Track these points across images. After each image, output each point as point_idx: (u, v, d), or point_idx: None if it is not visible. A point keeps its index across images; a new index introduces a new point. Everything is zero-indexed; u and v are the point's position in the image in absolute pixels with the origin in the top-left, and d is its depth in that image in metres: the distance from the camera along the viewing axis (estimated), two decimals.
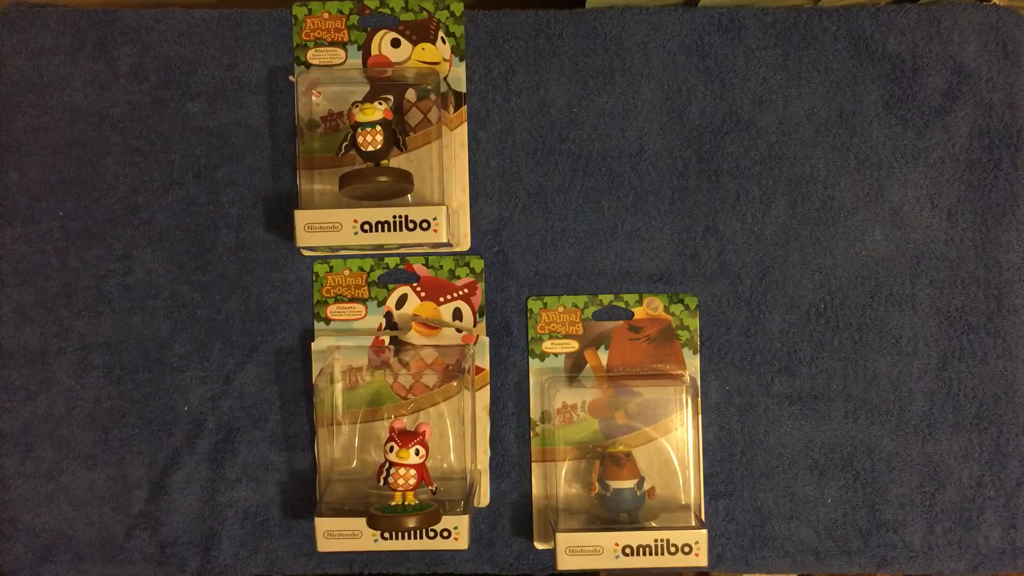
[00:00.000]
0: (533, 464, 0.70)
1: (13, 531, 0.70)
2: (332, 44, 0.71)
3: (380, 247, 0.68)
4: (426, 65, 0.70)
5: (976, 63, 0.70)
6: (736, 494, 0.70)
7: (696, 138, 0.71)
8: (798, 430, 0.70)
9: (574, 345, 0.70)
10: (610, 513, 0.66)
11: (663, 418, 0.69)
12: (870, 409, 0.70)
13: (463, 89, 0.71)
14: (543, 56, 0.71)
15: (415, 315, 0.70)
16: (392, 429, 0.63)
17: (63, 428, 0.70)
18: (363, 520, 0.63)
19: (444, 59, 0.71)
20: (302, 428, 0.70)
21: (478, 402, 0.70)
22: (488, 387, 0.70)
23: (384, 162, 0.65)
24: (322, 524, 0.64)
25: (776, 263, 0.70)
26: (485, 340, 0.70)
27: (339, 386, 0.69)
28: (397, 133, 0.65)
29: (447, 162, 0.69)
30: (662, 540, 0.63)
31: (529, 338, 0.70)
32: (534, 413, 0.70)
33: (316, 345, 0.69)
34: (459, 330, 0.70)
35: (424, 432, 0.63)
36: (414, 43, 0.71)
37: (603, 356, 0.70)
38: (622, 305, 0.70)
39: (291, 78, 0.70)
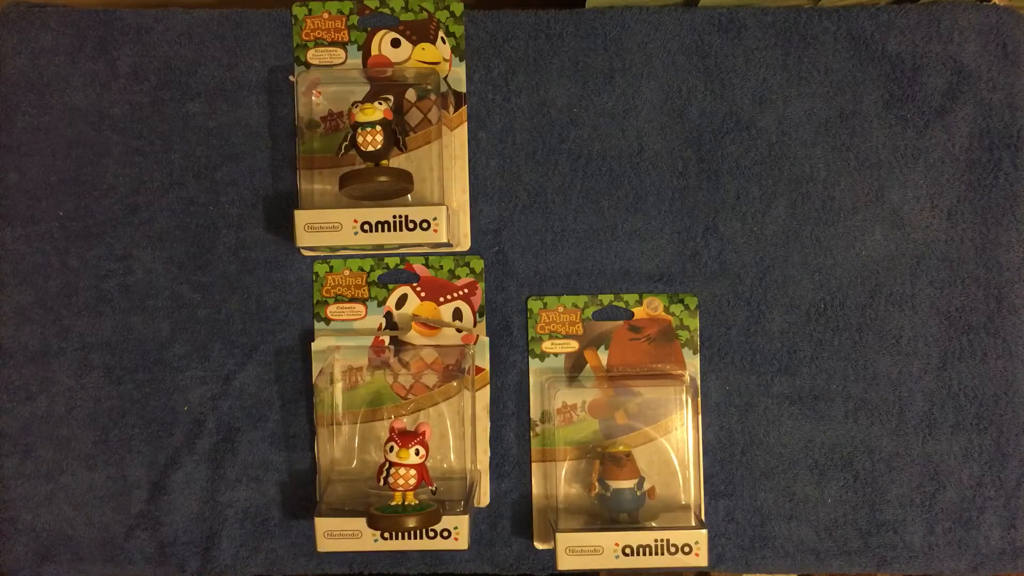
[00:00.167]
0: (533, 464, 0.70)
1: (13, 531, 0.70)
2: (332, 44, 0.71)
3: (380, 247, 0.68)
4: (426, 65, 0.70)
5: (976, 63, 0.70)
6: (736, 494, 0.70)
7: (696, 138, 0.71)
8: (798, 430, 0.70)
9: (574, 345, 0.70)
10: (610, 513, 0.66)
11: (663, 418, 0.69)
12: (870, 409, 0.70)
13: (463, 89, 0.71)
14: (543, 56, 0.71)
15: (415, 315, 0.70)
16: (392, 429, 0.63)
17: (63, 428, 0.70)
18: (363, 520, 0.63)
19: (444, 59, 0.70)
20: (302, 428, 0.70)
21: (478, 402, 0.70)
22: (488, 387, 0.70)
23: (384, 162, 0.65)
24: (322, 524, 0.64)
25: (776, 263, 0.70)
26: (485, 340, 0.70)
27: (339, 386, 0.69)
28: (397, 133, 0.65)
29: (447, 162, 0.69)
30: (662, 540, 0.63)
31: (529, 338, 0.70)
32: (534, 413, 0.70)
33: (316, 345, 0.69)
34: (459, 330, 0.70)
35: (424, 432, 0.63)
36: (414, 43, 0.71)
37: (603, 356, 0.70)
38: (622, 305, 0.70)
39: (291, 78, 0.70)
